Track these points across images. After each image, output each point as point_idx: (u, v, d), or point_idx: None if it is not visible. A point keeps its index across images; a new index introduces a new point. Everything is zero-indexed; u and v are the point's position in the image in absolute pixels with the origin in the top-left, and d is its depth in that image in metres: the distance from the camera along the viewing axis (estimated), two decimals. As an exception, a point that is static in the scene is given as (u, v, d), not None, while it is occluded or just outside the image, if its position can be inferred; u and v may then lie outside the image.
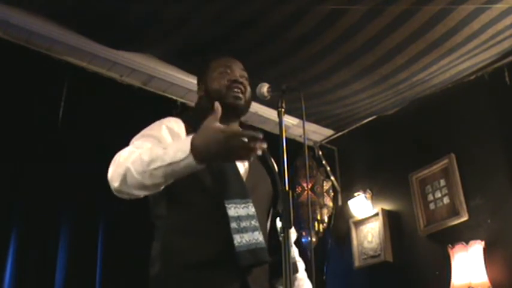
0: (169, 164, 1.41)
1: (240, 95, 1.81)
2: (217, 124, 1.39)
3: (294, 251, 1.90)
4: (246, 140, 1.36)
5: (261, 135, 1.38)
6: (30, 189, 2.97)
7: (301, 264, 1.91)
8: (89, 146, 3.22)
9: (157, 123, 1.75)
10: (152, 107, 3.55)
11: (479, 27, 3.03)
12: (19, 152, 2.99)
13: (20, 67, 3.15)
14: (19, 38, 3.18)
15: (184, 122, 1.76)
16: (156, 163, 1.42)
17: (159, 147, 1.47)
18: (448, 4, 2.83)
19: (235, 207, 1.60)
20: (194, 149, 1.38)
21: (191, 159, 1.38)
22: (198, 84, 1.95)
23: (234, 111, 1.82)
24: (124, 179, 1.47)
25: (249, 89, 1.86)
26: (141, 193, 1.52)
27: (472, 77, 3.62)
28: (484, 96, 3.58)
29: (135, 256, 3.00)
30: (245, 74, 1.89)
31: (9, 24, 3.08)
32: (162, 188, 1.51)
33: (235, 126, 1.78)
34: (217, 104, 1.44)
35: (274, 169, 1.88)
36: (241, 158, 1.45)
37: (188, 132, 1.71)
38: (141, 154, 1.46)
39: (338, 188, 4.46)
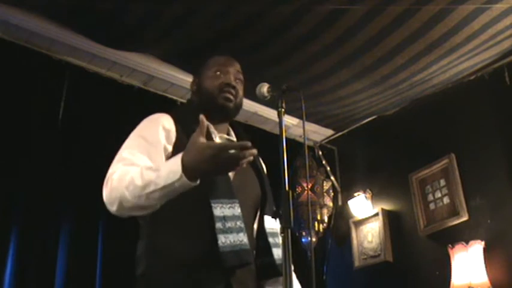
0: (164, 187, 1.43)
1: (231, 97, 1.80)
2: (203, 140, 1.41)
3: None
4: (233, 151, 1.39)
5: (249, 143, 1.41)
6: (30, 189, 2.97)
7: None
8: (89, 146, 3.22)
9: (153, 122, 1.73)
10: (152, 107, 3.52)
11: (479, 27, 3.03)
12: (19, 151, 2.99)
13: (20, 67, 3.15)
14: (19, 38, 3.18)
15: (174, 118, 1.75)
16: (150, 187, 1.44)
17: (150, 171, 1.47)
18: (448, 4, 2.83)
19: (221, 207, 1.59)
20: (185, 169, 1.40)
21: (184, 179, 1.40)
22: (193, 77, 1.95)
23: (222, 113, 1.82)
24: (120, 204, 1.49)
25: (241, 93, 1.85)
26: (140, 213, 1.53)
27: (472, 77, 3.62)
28: (484, 96, 3.58)
29: (135, 256, 3.00)
30: (241, 76, 1.88)
31: (9, 24, 3.08)
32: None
33: (222, 138, 1.79)
34: (202, 117, 1.44)
35: (263, 171, 1.87)
36: (232, 169, 1.46)
37: (178, 130, 1.70)
38: (133, 178, 1.46)
39: (338, 188, 4.46)
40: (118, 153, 1.64)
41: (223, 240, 1.54)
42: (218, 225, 1.55)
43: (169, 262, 1.57)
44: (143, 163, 1.56)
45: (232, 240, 1.56)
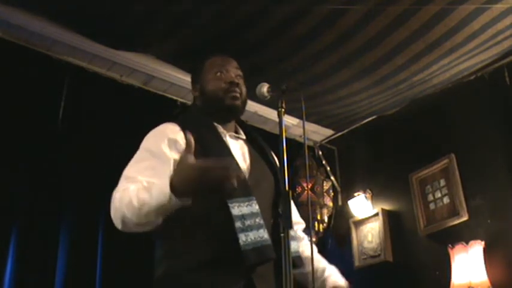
0: (157, 208, 1.45)
1: (238, 95, 1.83)
2: (191, 160, 1.41)
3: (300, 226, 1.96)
4: (221, 170, 1.40)
5: (233, 162, 1.46)
6: (30, 189, 2.97)
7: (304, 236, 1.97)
8: (89, 146, 3.22)
9: (158, 135, 1.74)
10: (152, 107, 3.55)
11: (479, 27, 3.03)
12: (19, 151, 2.99)
13: (20, 67, 3.15)
14: (19, 38, 3.17)
15: (180, 126, 1.75)
16: (145, 208, 1.46)
17: (144, 191, 1.49)
18: (448, 4, 2.83)
19: (238, 206, 1.60)
20: (174, 190, 1.41)
21: (174, 199, 1.41)
22: (192, 83, 1.95)
23: (231, 112, 1.85)
24: (124, 223, 1.53)
25: (244, 89, 1.87)
26: (144, 230, 1.55)
27: (472, 77, 3.62)
28: (484, 96, 3.58)
29: (135, 256, 3.00)
30: (240, 72, 1.89)
31: (9, 24, 3.08)
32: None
33: (232, 137, 1.82)
34: (189, 137, 1.45)
35: (276, 165, 1.88)
36: (220, 188, 1.44)
37: (186, 137, 1.71)
38: (131, 199, 1.49)
39: (338, 188, 4.46)
40: (125, 169, 1.66)
41: (244, 238, 1.55)
42: (237, 224, 1.57)
43: (189, 263, 1.58)
44: (145, 179, 1.57)
45: (253, 238, 1.57)
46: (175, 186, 1.41)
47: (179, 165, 1.43)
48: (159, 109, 3.54)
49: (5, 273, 2.74)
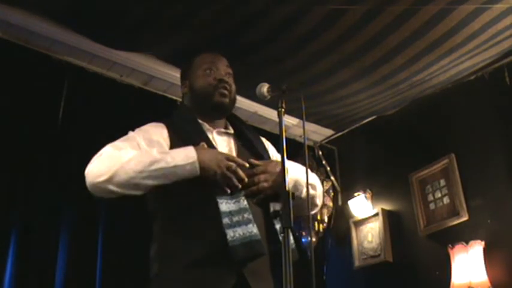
0: (174, 167, 1.52)
1: (226, 93, 1.84)
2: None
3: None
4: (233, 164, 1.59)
5: (246, 165, 1.65)
6: (30, 189, 2.97)
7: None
8: (89, 146, 3.20)
9: (142, 130, 1.79)
10: (152, 107, 3.54)
11: (479, 27, 3.03)
12: (19, 151, 2.99)
13: (20, 67, 3.15)
14: (19, 38, 3.17)
15: (167, 126, 1.79)
16: (159, 164, 1.51)
17: (154, 152, 1.58)
18: (448, 4, 2.83)
19: (226, 203, 1.61)
20: (199, 157, 1.54)
21: (196, 165, 1.52)
22: (182, 80, 1.97)
23: (219, 109, 1.87)
24: (110, 178, 1.56)
25: (233, 86, 1.89)
26: (123, 192, 1.59)
27: (472, 77, 3.62)
28: (484, 96, 3.58)
29: (135, 256, 3.00)
30: (230, 70, 1.91)
31: (9, 24, 3.08)
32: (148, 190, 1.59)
33: (220, 133, 1.88)
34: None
35: (267, 158, 1.88)
36: (229, 183, 1.61)
37: (171, 136, 1.74)
38: (136, 155, 1.54)
39: (338, 188, 4.46)
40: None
41: (231, 234, 1.56)
42: (225, 220, 1.58)
43: (181, 262, 1.59)
44: (132, 149, 1.65)
45: (241, 233, 1.57)
46: (200, 154, 1.56)
47: (204, 147, 1.62)
48: (159, 109, 3.53)
49: (5, 273, 2.74)
